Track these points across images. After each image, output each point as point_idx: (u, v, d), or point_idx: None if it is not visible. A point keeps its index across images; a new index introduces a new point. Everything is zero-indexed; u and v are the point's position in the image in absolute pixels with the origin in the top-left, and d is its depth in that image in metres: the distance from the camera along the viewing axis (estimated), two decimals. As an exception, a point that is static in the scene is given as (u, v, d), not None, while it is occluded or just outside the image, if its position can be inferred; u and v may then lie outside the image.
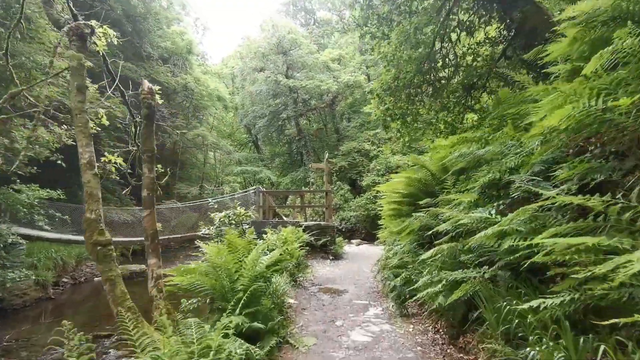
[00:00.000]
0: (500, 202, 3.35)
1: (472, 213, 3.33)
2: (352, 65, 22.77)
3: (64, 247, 12.37)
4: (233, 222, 7.46)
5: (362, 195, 21.07)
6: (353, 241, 19.46)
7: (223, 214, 7.21)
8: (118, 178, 7.85)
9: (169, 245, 17.96)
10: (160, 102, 4.01)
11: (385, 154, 21.87)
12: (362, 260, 10.09)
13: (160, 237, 13.65)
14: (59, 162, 8.46)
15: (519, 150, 3.64)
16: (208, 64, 28.37)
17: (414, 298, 3.99)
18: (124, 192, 5.93)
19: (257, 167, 26.58)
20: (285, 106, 23.72)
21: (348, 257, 10.46)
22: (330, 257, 9.74)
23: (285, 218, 11.49)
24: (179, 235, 12.40)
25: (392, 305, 5.20)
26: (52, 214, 9.52)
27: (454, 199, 4.00)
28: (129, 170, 6.44)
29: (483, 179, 3.65)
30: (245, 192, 12.10)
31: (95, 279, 14.33)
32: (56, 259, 12.09)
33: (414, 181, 6.25)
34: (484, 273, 2.86)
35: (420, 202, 5.23)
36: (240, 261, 4.09)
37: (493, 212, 3.22)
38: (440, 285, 3.54)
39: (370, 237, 20.65)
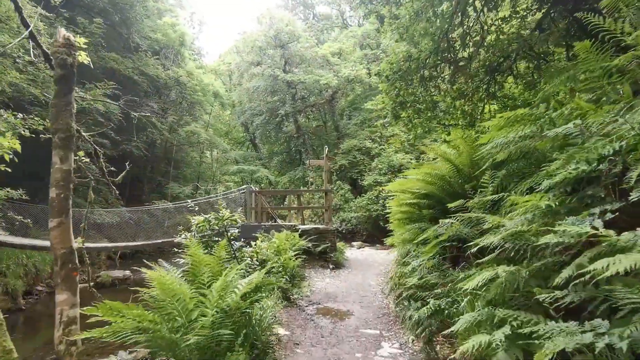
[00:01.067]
0: (606, 207, 2.07)
1: (561, 225, 2.05)
2: (352, 60, 21.48)
3: (38, 253, 11.12)
4: (215, 227, 6.18)
5: (363, 195, 19.84)
6: (354, 243, 18.19)
7: (202, 218, 5.93)
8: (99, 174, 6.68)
9: (163, 249, 16.67)
10: (86, 60, 2.72)
11: (388, 152, 20.61)
12: (366, 269, 8.81)
13: (140, 243, 12.06)
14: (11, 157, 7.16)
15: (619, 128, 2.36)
16: (205, 61, 27.11)
17: (458, 351, 2.70)
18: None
19: (254, 166, 25.29)
20: (283, 103, 22.45)
21: (350, 265, 9.18)
22: (331, 266, 8.46)
23: (280, 221, 10.20)
24: (152, 242, 11.08)
25: (413, 340, 3.91)
26: (12, 217, 8.22)
27: (515, 203, 2.72)
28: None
29: (564, 174, 2.37)
30: (235, 191, 10.80)
31: (76, 286, 13.13)
32: (27, 265, 10.88)
33: (434, 179, 4.97)
34: (609, 337, 1.56)
35: (450, 206, 3.94)
36: (203, 291, 2.80)
37: (599, 224, 1.94)
38: (499, 333, 2.27)
39: (371, 239, 19.40)
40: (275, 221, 10.05)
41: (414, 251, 5.32)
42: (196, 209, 6.55)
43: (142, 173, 20.33)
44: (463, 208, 4.00)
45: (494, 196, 3.58)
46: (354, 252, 12.63)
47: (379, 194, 18.90)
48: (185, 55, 19.30)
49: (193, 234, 6.00)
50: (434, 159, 6.87)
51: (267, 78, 22.40)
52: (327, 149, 9.71)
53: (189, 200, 5.93)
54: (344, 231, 19.30)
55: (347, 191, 20.72)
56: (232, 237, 7.31)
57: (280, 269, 6.18)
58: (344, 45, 21.76)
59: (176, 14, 21.91)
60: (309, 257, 8.68)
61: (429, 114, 7.29)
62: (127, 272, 12.97)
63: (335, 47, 21.58)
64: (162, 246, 12.37)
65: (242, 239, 7.54)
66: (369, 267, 8.97)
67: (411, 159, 20.70)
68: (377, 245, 18.85)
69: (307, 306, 5.70)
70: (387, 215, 17.75)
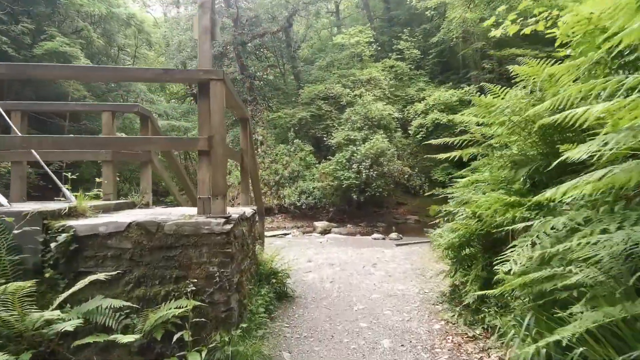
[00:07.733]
0: None
1: None
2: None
3: None
4: None
5: (329, 158, 13.08)
6: (317, 225, 11.55)
7: None
8: None
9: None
10: None
11: (365, 100, 13.71)
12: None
13: None
14: None
15: None
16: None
17: None
18: None
19: (188, 122, 17.64)
20: (222, 30, 14.76)
21: None
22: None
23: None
24: None
25: None
26: None
27: None
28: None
29: None
30: None
31: None
32: None
33: None
34: None
35: None
36: None
37: None
38: None
39: (341, 218, 12.85)
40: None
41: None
42: None
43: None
44: None
45: None
46: (314, 257, 5.96)
47: (353, 156, 12.30)
48: None
49: None
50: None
51: None
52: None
53: None
54: (303, 207, 12.67)
55: (308, 153, 13.88)
56: None
57: None
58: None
59: None
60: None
61: None
62: None
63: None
64: None
65: None
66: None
67: (393, 111, 14.10)
68: (349, 225, 12.42)
69: None
70: (369, 186, 10.28)
